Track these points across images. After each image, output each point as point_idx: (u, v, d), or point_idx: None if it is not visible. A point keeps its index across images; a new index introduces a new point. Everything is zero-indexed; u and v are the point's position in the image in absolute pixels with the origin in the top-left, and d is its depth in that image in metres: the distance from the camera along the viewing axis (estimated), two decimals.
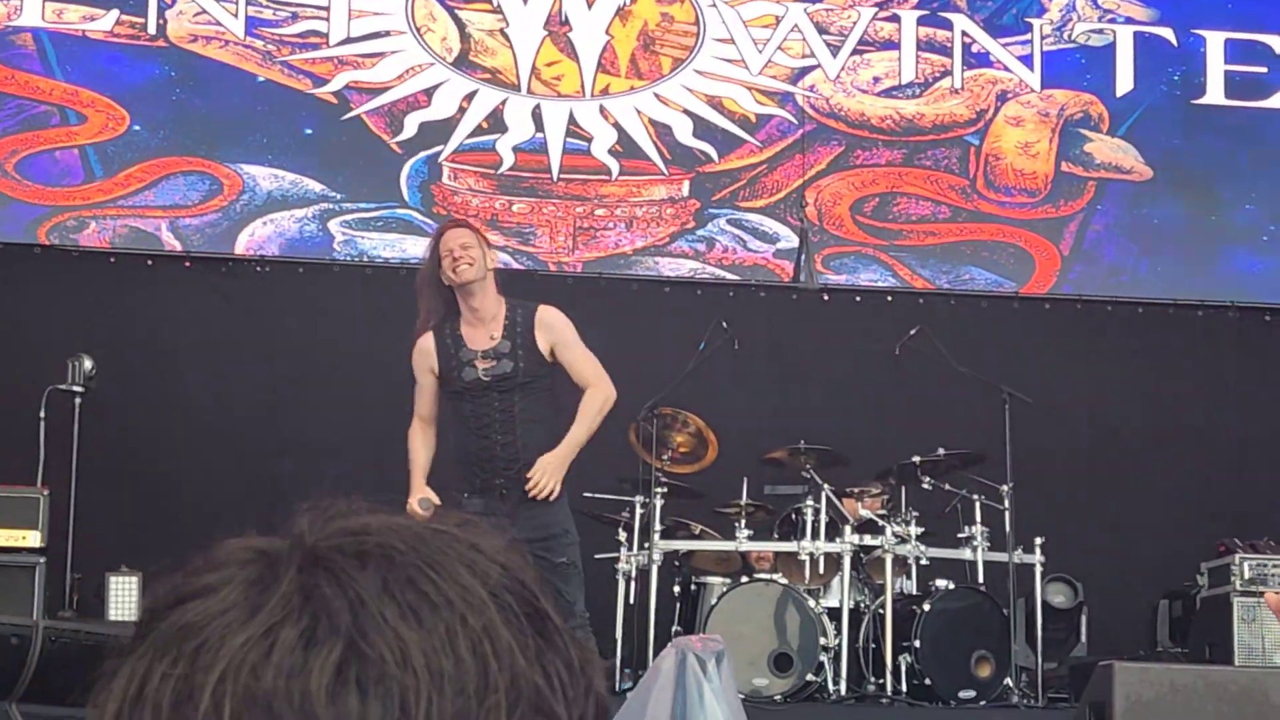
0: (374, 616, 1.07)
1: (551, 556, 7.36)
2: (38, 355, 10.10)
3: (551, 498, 7.46)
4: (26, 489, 9.03)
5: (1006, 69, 12.11)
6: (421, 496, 7.46)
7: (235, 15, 11.45)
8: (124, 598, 9.44)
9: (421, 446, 7.67)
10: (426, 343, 7.58)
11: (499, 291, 7.65)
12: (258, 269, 11.29)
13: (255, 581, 1.10)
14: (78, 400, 9.54)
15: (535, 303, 7.75)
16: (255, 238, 11.33)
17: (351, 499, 1.17)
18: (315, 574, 1.09)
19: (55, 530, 9.06)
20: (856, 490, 9.80)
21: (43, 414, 9.37)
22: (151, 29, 11.38)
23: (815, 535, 9.45)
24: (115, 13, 11.34)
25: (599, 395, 7.65)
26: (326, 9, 11.57)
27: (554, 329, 7.63)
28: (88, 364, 9.62)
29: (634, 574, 9.50)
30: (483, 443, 7.46)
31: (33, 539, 8.90)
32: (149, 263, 11.16)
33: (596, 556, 9.78)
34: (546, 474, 7.46)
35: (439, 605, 1.08)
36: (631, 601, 9.48)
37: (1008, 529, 9.55)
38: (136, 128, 11.30)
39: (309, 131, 11.51)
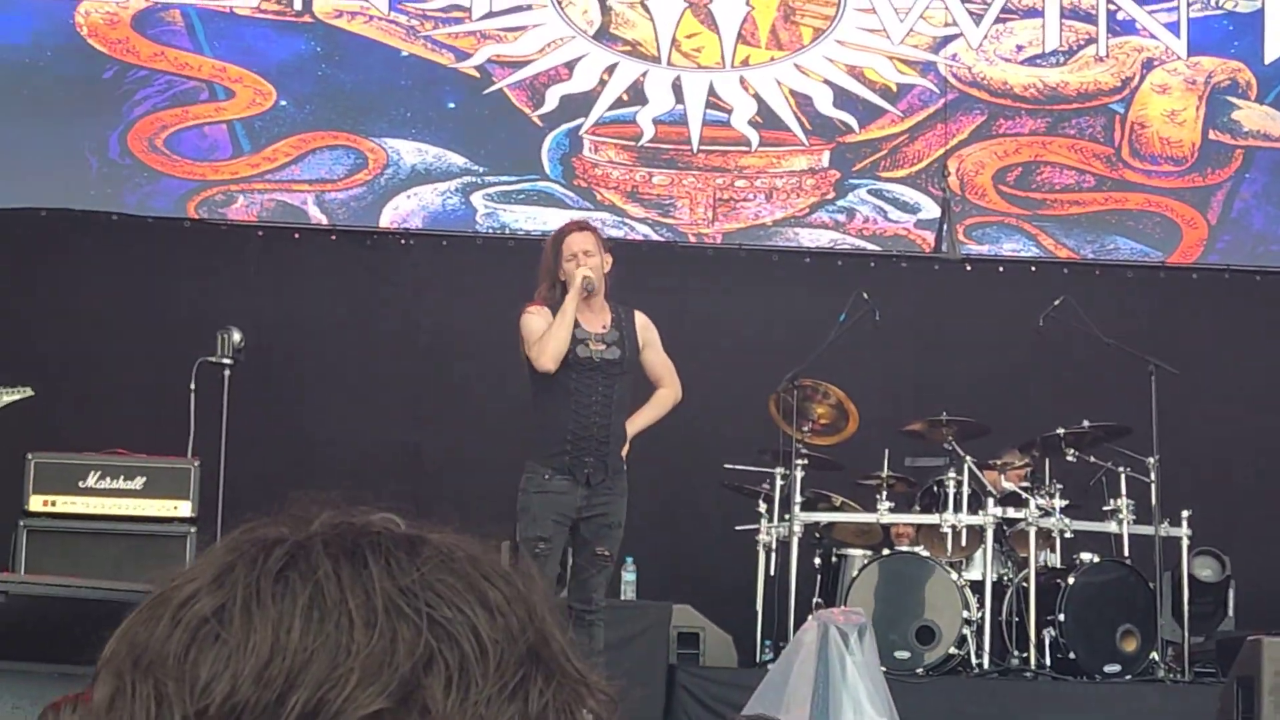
0: (247, 589, 1.18)
1: (600, 546, 7.87)
2: (187, 328, 10.21)
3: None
4: (178, 460, 9.13)
5: (1152, 36, 11.92)
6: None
7: None
8: None
9: None
10: (544, 310, 7.98)
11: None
12: (401, 242, 11.36)
13: (218, 560, 1.22)
14: (226, 372, 9.62)
15: (631, 305, 8.25)
16: (399, 211, 11.41)
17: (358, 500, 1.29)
18: (242, 556, 1.21)
19: (205, 500, 9.14)
20: (999, 462, 9.71)
21: (193, 386, 9.46)
22: (297, 5, 11.46)
23: (957, 508, 9.40)
24: None
25: (673, 394, 8.30)
26: None
27: (650, 329, 8.22)
28: (236, 336, 9.69)
29: (774, 546, 9.47)
30: (580, 420, 7.88)
31: (184, 509, 9.00)
32: (295, 236, 11.26)
33: (737, 528, 9.78)
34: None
35: (310, 585, 1.18)
36: (772, 574, 9.46)
37: (1154, 502, 9.45)
38: (283, 103, 11.39)
39: (452, 105, 11.56)
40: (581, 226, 8.29)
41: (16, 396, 8.42)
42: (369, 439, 10.84)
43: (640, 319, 8.17)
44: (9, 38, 11.24)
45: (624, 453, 8.04)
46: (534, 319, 7.97)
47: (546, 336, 7.84)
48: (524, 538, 7.82)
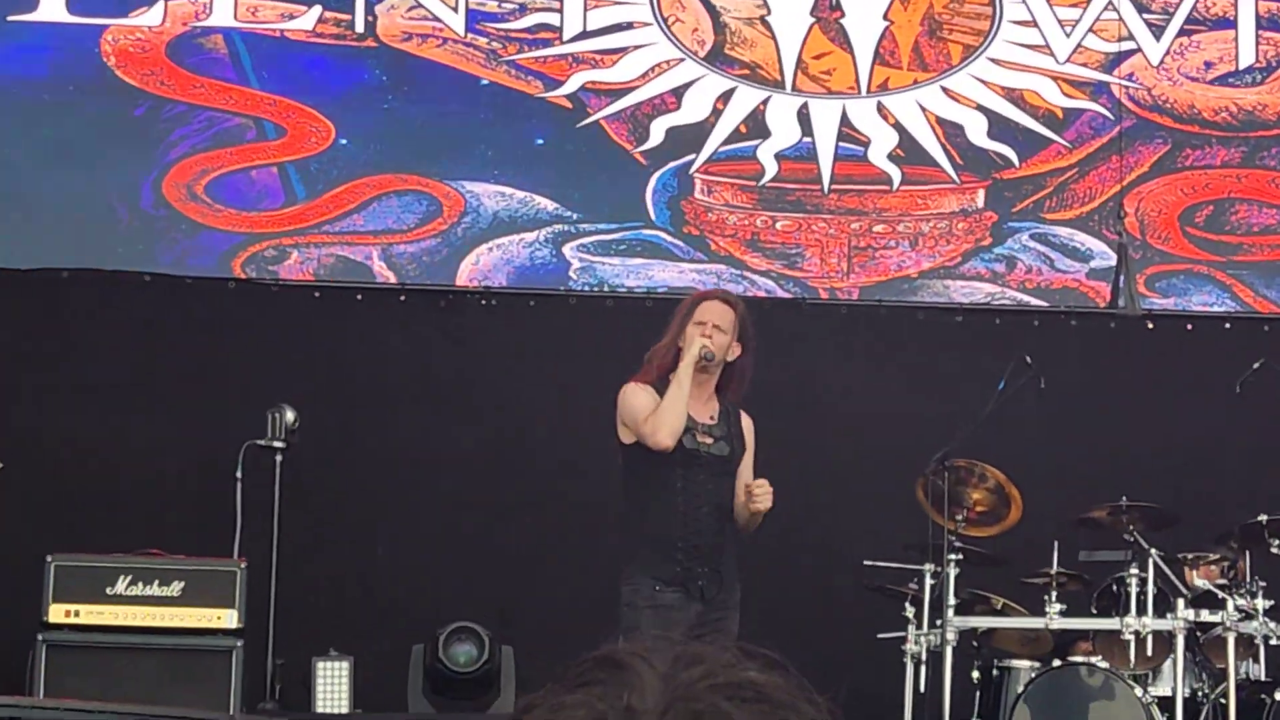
0: None
1: None
2: (233, 406, 10.27)
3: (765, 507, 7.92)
4: (221, 562, 9.17)
5: None
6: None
7: (455, 9, 11.59)
8: (332, 686, 9.54)
9: None
10: (648, 389, 8.00)
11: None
12: (483, 302, 11.39)
13: None
14: (279, 457, 9.67)
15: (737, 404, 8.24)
16: (479, 266, 11.44)
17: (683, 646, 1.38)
18: None
19: (254, 609, 9.18)
20: (1191, 556, 9.62)
21: (239, 474, 9.51)
22: (359, 27, 11.55)
23: (1142, 610, 9.31)
24: (318, 9, 11.52)
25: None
26: None
27: (751, 433, 8.18)
28: (290, 415, 9.74)
29: (924, 656, 9.42)
30: (692, 525, 7.89)
31: (229, 619, 9.03)
32: (359, 297, 11.31)
33: (880, 636, 9.71)
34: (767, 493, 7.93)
35: None
36: (922, 689, 9.40)
37: None
38: (343, 141, 11.47)
39: (540, 141, 11.60)
40: (725, 299, 8.31)
41: None
42: (448, 534, 10.84)
43: (746, 420, 8.20)
44: (26, 70, 11.38)
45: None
46: (639, 395, 8.00)
47: (662, 411, 7.84)
48: None
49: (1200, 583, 9.53)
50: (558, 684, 1.34)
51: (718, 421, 8.04)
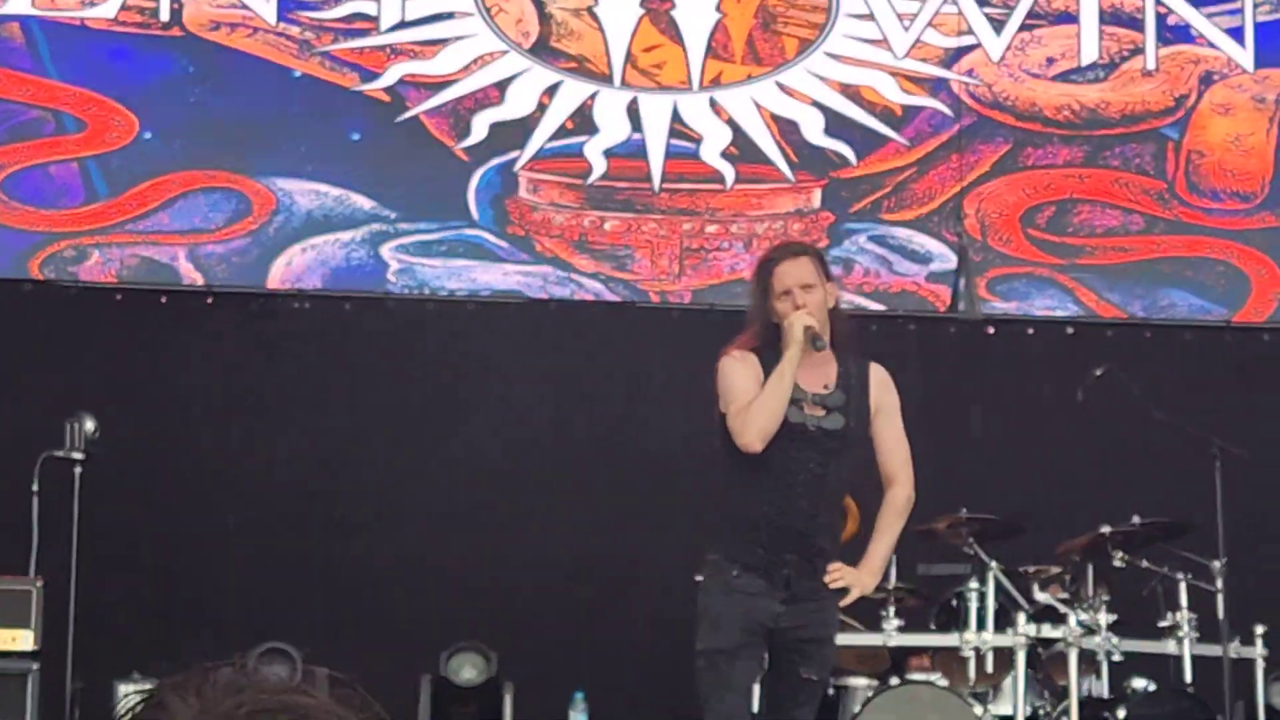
0: None
1: (809, 670, 7.40)
2: (30, 415, 10.17)
3: (843, 602, 7.48)
4: (16, 580, 9.09)
5: (1212, 45, 11.99)
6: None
7: None
8: None
9: None
10: (751, 358, 7.40)
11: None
12: (296, 305, 11.33)
13: None
14: (78, 469, 9.59)
15: (865, 357, 7.61)
16: (292, 267, 11.39)
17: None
18: None
19: (52, 629, 9.10)
20: (1032, 569, 9.70)
21: (36, 487, 9.41)
22: (164, 15, 11.47)
23: (982, 625, 9.38)
24: None
25: (906, 496, 7.66)
26: None
27: (888, 390, 7.56)
28: (89, 425, 9.66)
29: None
30: (782, 505, 7.29)
31: (24, 640, 8.95)
32: (163, 300, 11.22)
33: None
34: (856, 585, 7.46)
35: None
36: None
37: (1220, 615, 9.42)
38: (147, 136, 11.38)
39: (356, 137, 11.56)
40: (795, 252, 7.62)
41: None
42: (260, 550, 10.77)
43: (877, 375, 7.53)
44: None
45: (848, 599, 7.47)
46: (736, 371, 7.40)
47: (757, 406, 7.24)
48: (701, 650, 7.35)
49: (1042, 597, 9.61)
50: None
51: (833, 390, 7.37)
